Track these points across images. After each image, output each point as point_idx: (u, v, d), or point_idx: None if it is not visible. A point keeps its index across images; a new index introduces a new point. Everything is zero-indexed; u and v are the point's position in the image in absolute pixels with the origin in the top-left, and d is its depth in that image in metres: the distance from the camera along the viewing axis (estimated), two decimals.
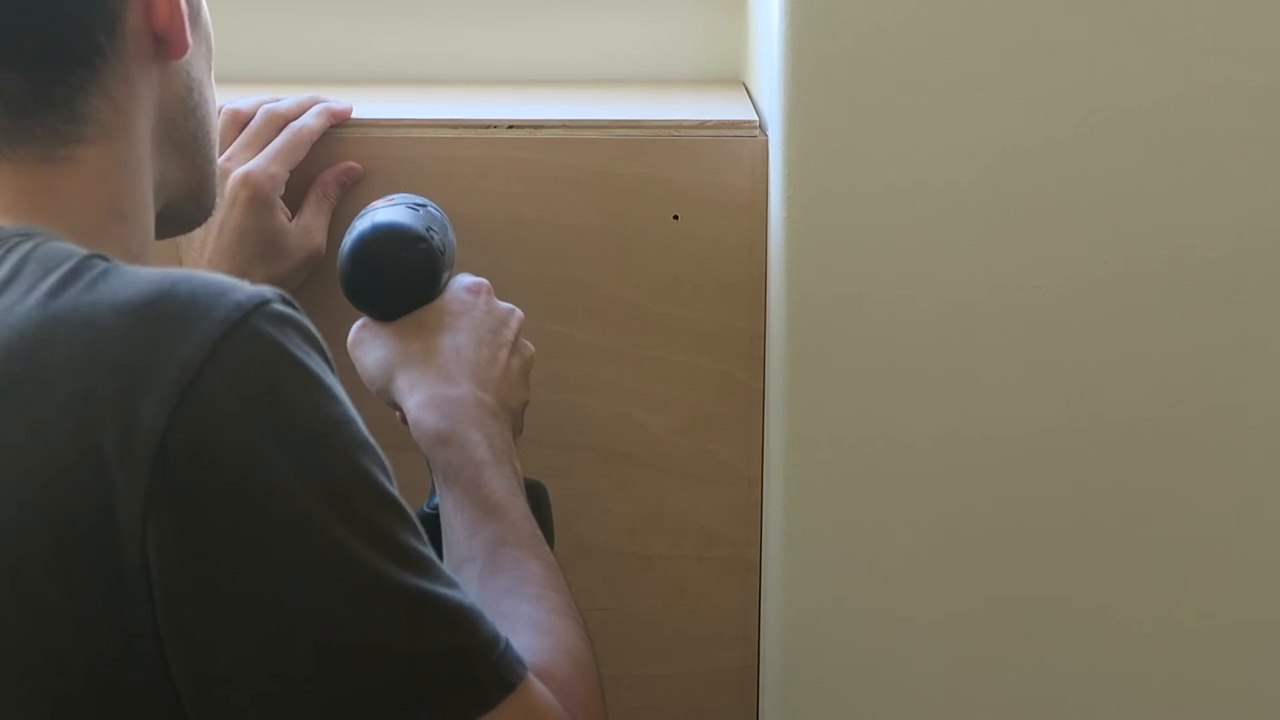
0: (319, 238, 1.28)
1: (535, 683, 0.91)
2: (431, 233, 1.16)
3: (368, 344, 1.15)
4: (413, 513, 0.89)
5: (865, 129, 1.21)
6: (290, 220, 1.28)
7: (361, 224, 1.16)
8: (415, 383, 1.12)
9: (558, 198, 1.30)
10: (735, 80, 1.53)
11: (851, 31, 1.20)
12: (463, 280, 1.19)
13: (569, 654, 0.99)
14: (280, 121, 1.29)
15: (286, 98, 1.31)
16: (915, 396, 1.26)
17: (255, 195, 1.25)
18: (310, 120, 1.29)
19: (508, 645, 0.89)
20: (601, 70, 1.54)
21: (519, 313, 1.19)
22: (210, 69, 1.05)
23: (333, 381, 0.87)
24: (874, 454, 1.27)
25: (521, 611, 1.00)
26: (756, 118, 1.31)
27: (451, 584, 0.88)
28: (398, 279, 1.15)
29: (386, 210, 1.17)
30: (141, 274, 0.86)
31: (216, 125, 1.07)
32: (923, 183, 1.22)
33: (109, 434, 0.81)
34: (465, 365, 1.13)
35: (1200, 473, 1.27)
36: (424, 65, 1.54)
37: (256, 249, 1.25)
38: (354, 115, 1.32)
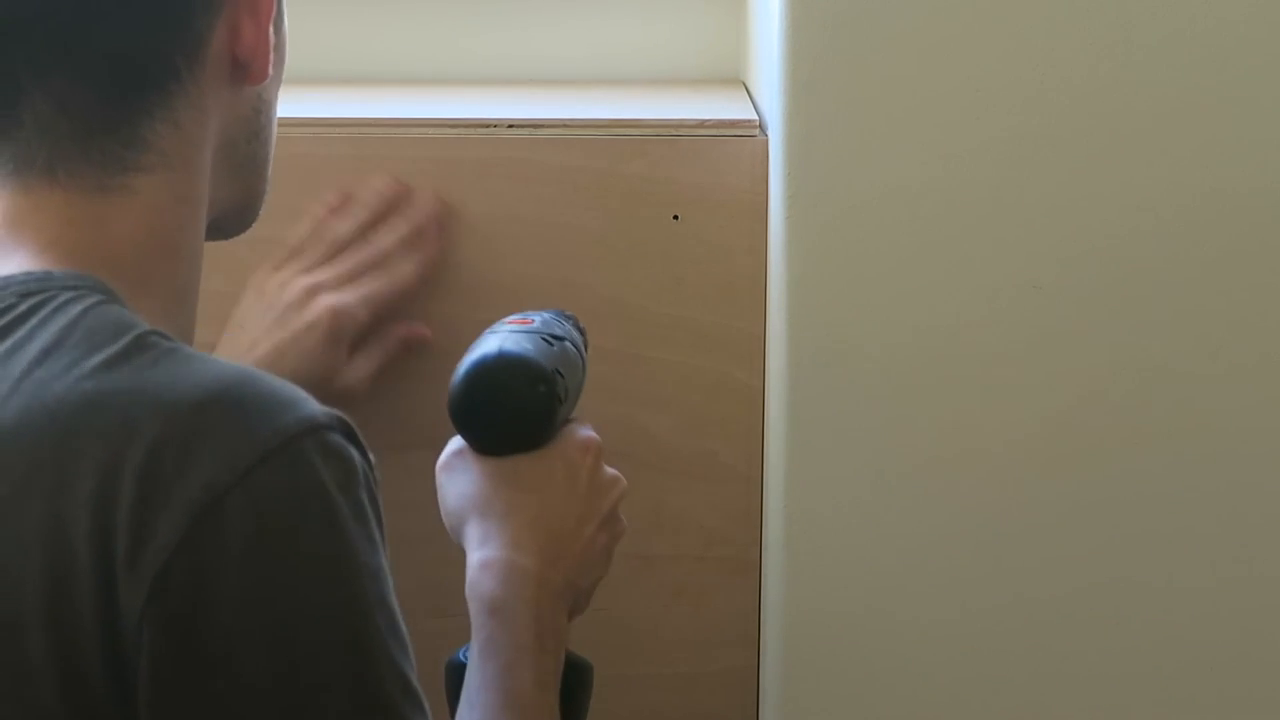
0: (363, 384, 1.24)
1: None
2: (558, 375, 1.09)
3: (457, 473, 1.09)
4: (417, 686, 0.83)
5: (865, 129, 1.21)
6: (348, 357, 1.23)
7: (488, 345, 1.09)
8: (486, 538, 1.06)
9: (558, 198, 1.30)
10: (735, 80, 1.53)
11: (851, 31, 1.20)
12: (577, 434, 1.11)
13: None
14: (380, 259, 1.25)
15: (389, 231, 1.25)
16: (915, 396, 1.26)
17: (336, 331, 1.20)
18: (409, 274, 1.25)
19: None
20: (601, 70, 1.54)
21: (623, 483, 1.12)
22: (279, 87, 1.01)
23: (370, 528, 0.82)
24: (874, 454, 1.27)
25: None
26: (756, 118, 1.31)
27: None
28: (508, 417, 1.08)
29: (519, 337, 1.10)
30: (195, 370, 0.82)
31: (274, 145, 1.02)
32: (923, 182, 1.22)
33: (122, 542, 0.78)
34: (543, 534, 1.06)
35: (1202, 471, 1.27)
36: (424, 65, 1.54)
37: (306, 375, 1.19)
38: (354, 115, 1.32)
